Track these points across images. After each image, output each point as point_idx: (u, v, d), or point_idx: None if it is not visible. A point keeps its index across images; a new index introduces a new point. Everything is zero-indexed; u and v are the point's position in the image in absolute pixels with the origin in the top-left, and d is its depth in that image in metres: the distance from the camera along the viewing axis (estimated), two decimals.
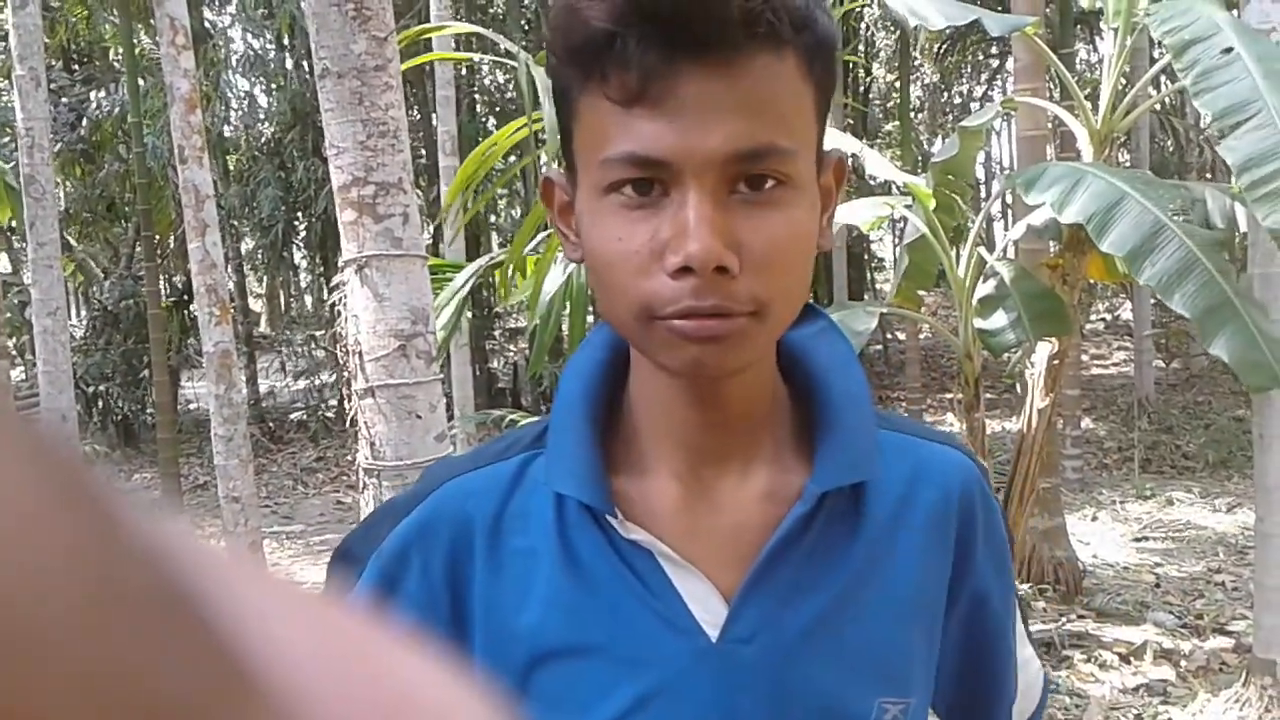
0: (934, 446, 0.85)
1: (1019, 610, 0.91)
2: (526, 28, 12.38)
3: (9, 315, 10.41)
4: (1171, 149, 12.66)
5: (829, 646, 0.76)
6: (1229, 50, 3.26)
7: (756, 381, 0.78)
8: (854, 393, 0.80)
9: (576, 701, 0.76)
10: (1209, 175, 11.67)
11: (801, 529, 0.76)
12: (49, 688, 0.12)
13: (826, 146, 0.77)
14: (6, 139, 9.63)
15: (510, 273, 4.04)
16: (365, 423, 2.48)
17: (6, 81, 10.31)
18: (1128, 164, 10.65)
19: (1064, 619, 5.36)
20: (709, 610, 0.75)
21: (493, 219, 13.37)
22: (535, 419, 0.89)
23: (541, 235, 3.77)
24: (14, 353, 11.32)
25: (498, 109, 13.54)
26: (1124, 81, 4.29)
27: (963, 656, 0.85)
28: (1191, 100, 3.38)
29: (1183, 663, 4.79)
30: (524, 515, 0.79)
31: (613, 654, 0.76)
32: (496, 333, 13.27)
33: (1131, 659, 4.84)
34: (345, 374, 2.61)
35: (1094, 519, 7.59)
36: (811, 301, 0.83)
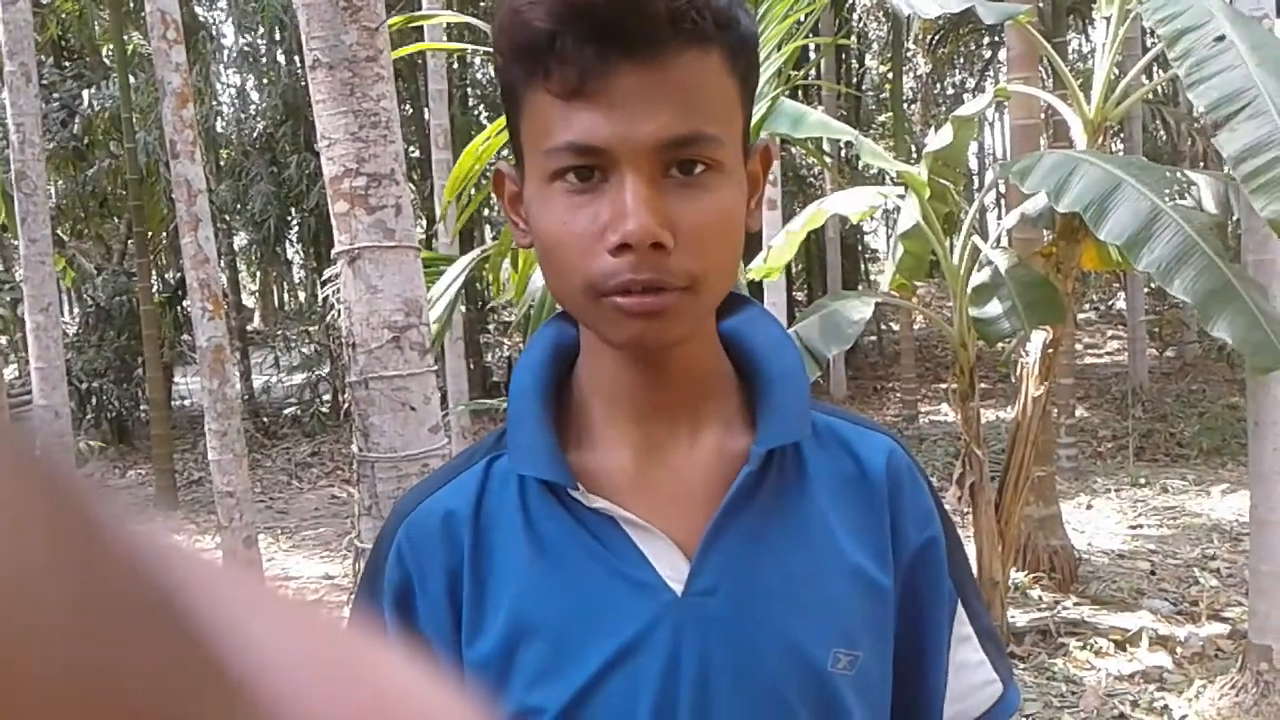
0: (862, 430, 0.90)
1: (976, 615, 0.91)
2: None
3: (1, 312, 10.38)
4: (1164, 138, 12.67)
5: (787, 596, 0.81)
6: (1222, 38, 3.25)
7: (696, 349, 0.84)
8: (789, 367, 0.86)
9: (555, 671, 0.80)
10: (1202, 164, 11.68)
11: (753, 486, 0.82)
12: (26, 692, 0.12)
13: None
14: None
15: (503, 268, 4.03)
16: (359, 414, 2.47)
17: None
18: (1121, 153, 10.66)
19: (1059, 607, 5.37)
20: (672, 567, 0.80)
21: (486, 212, 13.34)
22: (498, 426, 0.92)
23: None
24: (7, 350, 11.29)
25: (490, 102, 13.51)
26: (1116, 70, 4.28)
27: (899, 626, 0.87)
28: (1184, 90, 3.38)
29: (1178, 649, 4.80)
30: (497, 511, 0.84)
31: (584, 620, 0.80)
32: (490, 326, 13.26)
33: (1127, 646, 4.86)
34: (339, 367, 2.61)
35: (1089, 507, 7.60)
36: (744, 292, 0.90)
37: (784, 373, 0.86)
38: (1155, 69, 8.15)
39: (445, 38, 6.25)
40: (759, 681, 0.79)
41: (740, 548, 0.81)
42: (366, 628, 0.19)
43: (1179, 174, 3.87)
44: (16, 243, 6.80)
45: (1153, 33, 3.48)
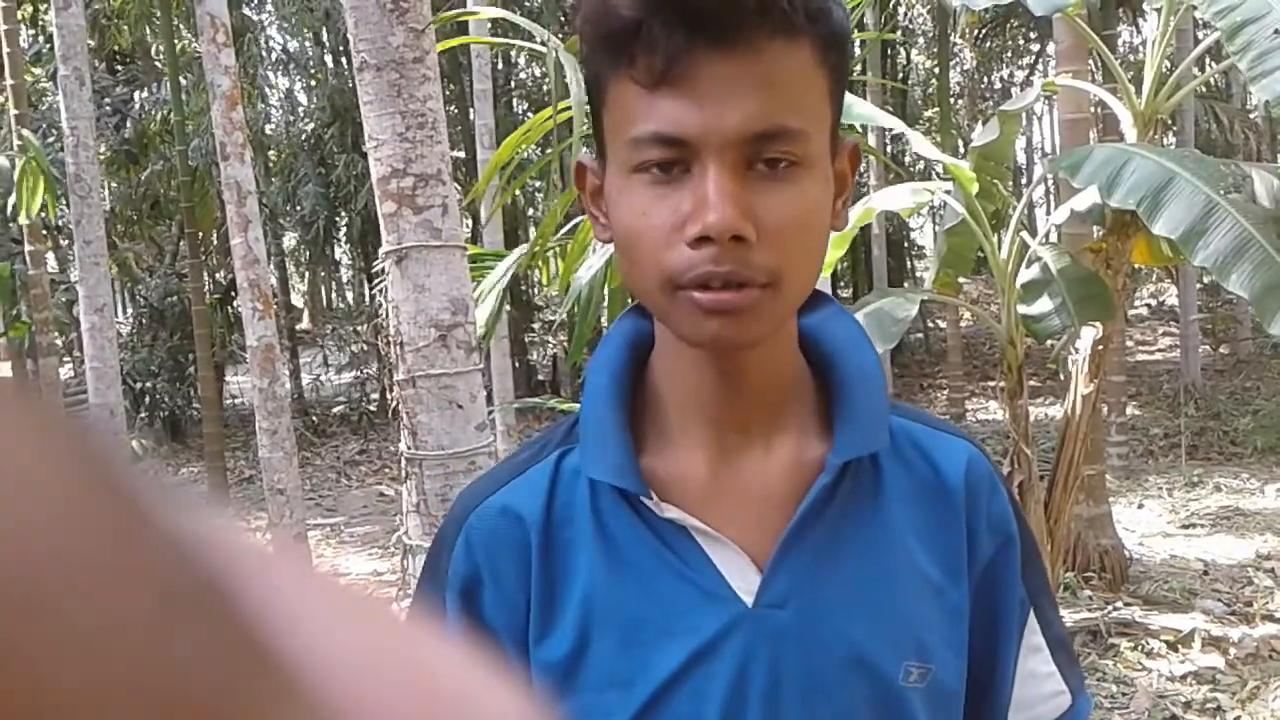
0: (941, 435, 0.88)
1: (1048, 624, 0.90)
2: (564, 19, 12.38)
3: (57, 313, 10.57)
4: (1216, 134, 12.46)
5: (858, 608, 0.80)
6: None
7: (775, 354, 0.82)
8: (867, 369, 0.84)
9: (624, 678, 0.79)
10: (1254, 159, 11.47)
11: (826, 498, 0.81)
12: (68, 673, 0.12)
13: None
14: (52, 138, 9.77)
15: (547, 260, 4.05)
16: (407, 412, 2.50)
17: (51, 82, 10.45)
18: (1173, 147, 10.49)
19: (1110, 607, 5.31)
20: (743, 578, 0.80)
21: (530, 211, 13.39)
22: (566, 417, 0.92)
23: (575, 220, 3.77)
24: (62, 350, 11.49)
25: (535, 102, 13.55)
26: (1168, 63, 4.21)
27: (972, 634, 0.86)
28: (1242, 83, 3.32)
29: (1231, 650, 4.72)
30: (567, 510, 0.83)
31: (654, 628, 0.79)
32: (535, 325, 13.31)
33: (1179, 647, 4.79)
34: (387, 366, 2.64)
35: (1140, 506, 7.50)
36: (821, 289, 0.87)
37: (862, 377, 0.84)
38: (1207, 61, 8.02)
39: (489, 28, 6.27)
40: (829, 695, 0.79)
41: (812, 561, 0.80)
42: (426, 621, 0.19)
43: (1234, 166, 3.80)
44: (71, 244, 6.92)
45: (1204, 24, 3.42)
